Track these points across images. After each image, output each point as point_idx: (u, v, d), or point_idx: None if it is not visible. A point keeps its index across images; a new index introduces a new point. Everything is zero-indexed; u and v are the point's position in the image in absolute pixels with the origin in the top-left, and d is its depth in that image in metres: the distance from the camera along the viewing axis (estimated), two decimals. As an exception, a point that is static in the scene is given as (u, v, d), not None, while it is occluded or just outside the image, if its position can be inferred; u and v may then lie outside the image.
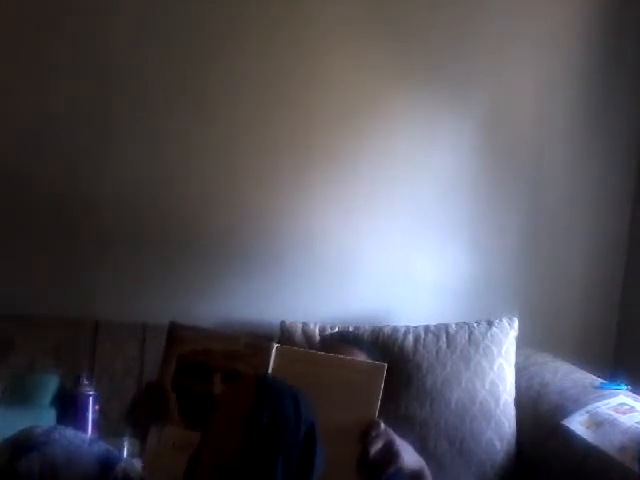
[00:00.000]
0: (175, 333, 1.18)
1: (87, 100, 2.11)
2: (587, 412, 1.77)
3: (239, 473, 1.02)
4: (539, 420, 1.90)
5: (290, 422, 1.03)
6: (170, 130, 2.16)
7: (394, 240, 2.33)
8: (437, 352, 2.00)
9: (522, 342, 2.12)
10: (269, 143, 2.22)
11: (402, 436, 1.37)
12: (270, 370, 1.13)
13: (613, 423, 1.67)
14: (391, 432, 1.28)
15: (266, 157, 2.22)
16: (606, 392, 1.87)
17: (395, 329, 2.07)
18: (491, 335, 2.04)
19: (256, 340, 1.21)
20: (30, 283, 2.10)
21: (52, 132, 2.10)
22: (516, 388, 2.01)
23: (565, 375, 2.04)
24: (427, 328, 2.07)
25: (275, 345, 1.16)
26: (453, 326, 2.07)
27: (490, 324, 2.07)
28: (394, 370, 1.74)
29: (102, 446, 1.34)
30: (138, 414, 1.21)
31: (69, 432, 1.36)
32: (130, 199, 2.15)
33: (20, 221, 2.10)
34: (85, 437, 1.45)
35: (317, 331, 2.05)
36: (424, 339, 2.03)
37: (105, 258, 2.14)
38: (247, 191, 2.23)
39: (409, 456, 1.37)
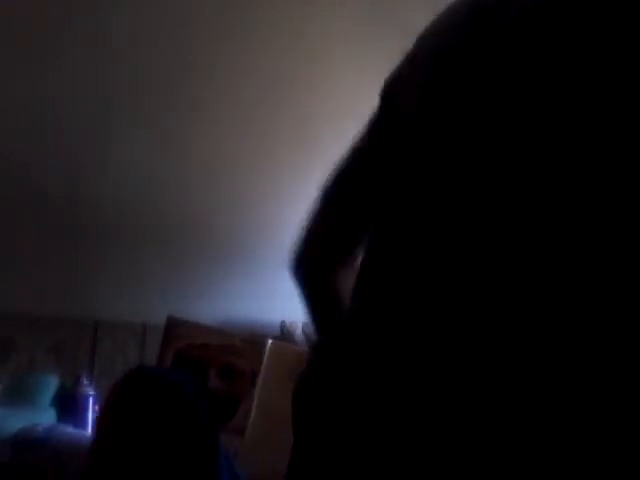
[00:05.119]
0: (173, 328, 1.19)
1: (87, 100, 2.11)
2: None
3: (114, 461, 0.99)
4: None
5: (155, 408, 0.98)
6: (170, 130, 2.16)
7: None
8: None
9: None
10: (270, 143, 2.22)
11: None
12: (264, 365, 1.13)
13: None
14: None
15: (266, 157, 2.23)
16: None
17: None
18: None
19: (251, 336, 1.21)
20: (30, 283, 2.10)
21: (52, 132, 2.10)
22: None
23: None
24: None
25: (270, 341, 1.16)
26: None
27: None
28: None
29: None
30: None
31: (69, 429, 1.36)
32: (130, 199, 2.15)
33: (20, 221, 2.10)
34: (86, 434, 1.45)
35: (317, 331, 2.05)
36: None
37: (105, 258, 2.14)
38: (247, 191, 2.23)
39: None
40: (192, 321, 1.21)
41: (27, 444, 1.20)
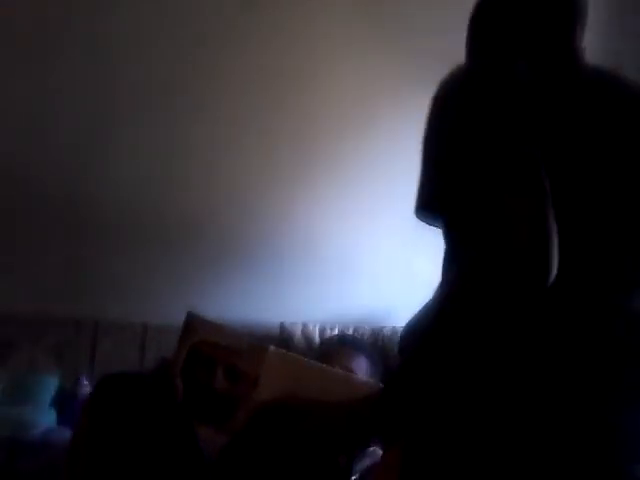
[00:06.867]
0: (191, 323, 1.20)
1: (87, 100, 2.11)
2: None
3: None
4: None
5: None
6: (170, 130, 2.16)
7: (394, 240, 2.33)
8: (437, 353, 1.99)
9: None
10: (270, 144, 2.22)
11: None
12: (263, 371, 1.13)
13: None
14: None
15: (266, 158, 2.22)
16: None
17: (395, 330, 2.07)
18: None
19: (256, 341, 1.21)
20: (30, 283, 2.10)
21: (52, 132, 2.09)
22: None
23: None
24: (427, 328, 2.07)
25: (270, 348, 1.16)
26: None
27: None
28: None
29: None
30: None
31: (67, 434, 1.35)
32: (130, 199, 2.14)
33: (20, 221, 2.10)
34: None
35: (317, 332, 2.04)
36: (424, 339, 2.02)
37: (105, 258, 2.14)
38: (247, 192, 2.22)
39: None
40: (209, 319, 1.22)
41: (22, 449, 1.20)
